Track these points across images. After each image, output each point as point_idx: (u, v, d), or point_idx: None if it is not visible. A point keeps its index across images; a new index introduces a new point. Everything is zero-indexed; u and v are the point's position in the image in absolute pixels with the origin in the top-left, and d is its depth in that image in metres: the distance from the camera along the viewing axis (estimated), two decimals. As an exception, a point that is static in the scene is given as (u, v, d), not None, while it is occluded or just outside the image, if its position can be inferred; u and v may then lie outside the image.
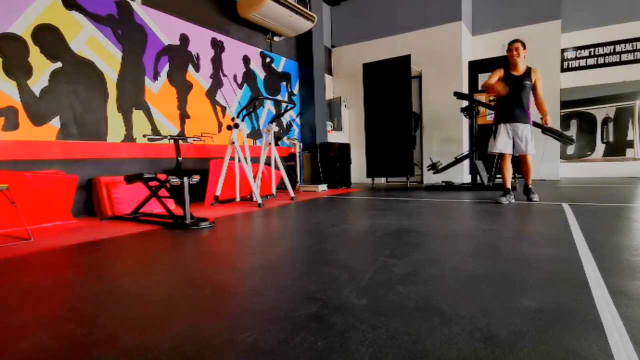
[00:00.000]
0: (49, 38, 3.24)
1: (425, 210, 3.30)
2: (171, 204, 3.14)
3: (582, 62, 6.79)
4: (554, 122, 5.94)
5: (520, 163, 3.71)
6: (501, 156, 3.75)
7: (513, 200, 3.59)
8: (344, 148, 6.31)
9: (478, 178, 5.30)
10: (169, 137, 3.32)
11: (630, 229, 2.20)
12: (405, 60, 6.00)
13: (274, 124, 4.58)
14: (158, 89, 4.17)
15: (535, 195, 3.65)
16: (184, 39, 4.50)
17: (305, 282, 1.38)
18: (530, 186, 3.70)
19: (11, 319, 1.14)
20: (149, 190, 3.10)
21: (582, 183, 5.73)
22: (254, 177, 4.27)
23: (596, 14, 6.55)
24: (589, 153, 7.54)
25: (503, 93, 3.59)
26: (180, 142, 3.43)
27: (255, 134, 5.62)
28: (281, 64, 6.19)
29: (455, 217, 2.90)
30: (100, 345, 0.93)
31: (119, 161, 3.77)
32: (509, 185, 3.70)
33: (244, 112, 4.65)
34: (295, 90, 6.54)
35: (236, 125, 4.03)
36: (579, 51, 6.77)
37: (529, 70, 3.58)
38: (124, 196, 3.49)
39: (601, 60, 6.66)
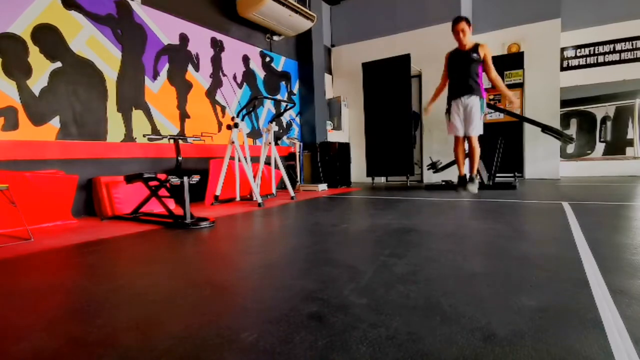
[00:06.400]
0: (49, 38, 3.24)
1: (425, 209, 3.30)
2: (171, 204, 3.14)
3: (582, 61, 6.78)
4: (553, 121, 5.96)
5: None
6: (455, 138, 3.52)
7: (475, 190, 3.30)
8: (344, 147, 6.31)
9: (478, 177, 5.30)
10: (168, 136, 3.32)
11: (630, 228, 2.20)
12: (405, 59, 5.99)
13: (274, 123, 4.58)
14: (158, 89, 4.17)
15: (474, 185, 3.31)
16: (184, 38, 4.49)
17: (306, 281, 1.38)
18: (473, 175, 3.38)
19: (12, 319, 1.14)
20: (149, 190, 3.10)
21: (582, 182, 5.73)
22: (254, 177, 4.27)
23: (596, 13, 6.54)
24: (589, 152, 7.54)
25: (441, 89, 3.67)
26: (180, 141, 3.43)
27: (255, 134, 5.62)
28: (281, 63, 6.19)
29: (455, 216, 2.90)
30: (101, 345, 0.93)
31: (119, 161, 3.77)
32: (464, 172, 3.44)
33: (244, 111, 4.65)
34: (295, 90, 6.54)
35: (236, 125, 4.03)
36: (578, 50, 6.77)
37: (476, 46, 3.41)
38: (124, 196, 3.49)
39: (601, 59, 6.65)
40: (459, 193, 3.31)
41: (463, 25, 3.33)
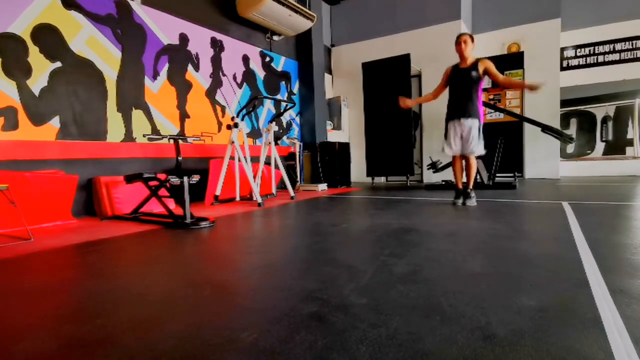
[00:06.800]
0: (49, 38, 3.24)
1: (425, 209, 3.30)
2: (171, 204, 3.14)
3: (582, 61, 6.79)
4: (553, 121, 5.96)
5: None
6: (452, 157, 3.60)
7: (474, 203, 3.40)
8: (344, 147, 6.31)
9: (478, 177, 5.30)
10: (168, 136, 3.32)
11: (630, 228, 2.20)
12: (405, 59, 6.00)
13: (274, 123, 4.58)
14: (158, 89, 4.17)
15: (472, 200, 3.41)
16: (184, 38, 4.49)
17: (306, 281, 1.38)
18: (469, 190, 3.46)
19: (12, 318, 1.14)
20: (149, 190, 3.10)
21: (582, 182, 5.73)
22: (254, 177, 4.27)
23: (596, 13, 6.54)
24: (589, 152, 7.55)
25: (430, 99, 3.70)
26: (180, 141, 3.43)
27: (255, 134, 5.62)
28: (281, 63, 6.19)
29: (455, 216, 2.90)
30: (101, 345, 0.93)
31: (118, 161, 3.77)
32: (460, 186, 3.53)
33: (244, 111, 4.65)
34: (295, 90, 6.54)
35: (236, 125, 4.03)
36: (578, 50, 6.77)
37: (476, 62, 3.41)
38: (124, 196, 3.49)
39: (601, 59, 6.65)
40: (456, 207, 3.34)
41: (466, 37, 3.39)
